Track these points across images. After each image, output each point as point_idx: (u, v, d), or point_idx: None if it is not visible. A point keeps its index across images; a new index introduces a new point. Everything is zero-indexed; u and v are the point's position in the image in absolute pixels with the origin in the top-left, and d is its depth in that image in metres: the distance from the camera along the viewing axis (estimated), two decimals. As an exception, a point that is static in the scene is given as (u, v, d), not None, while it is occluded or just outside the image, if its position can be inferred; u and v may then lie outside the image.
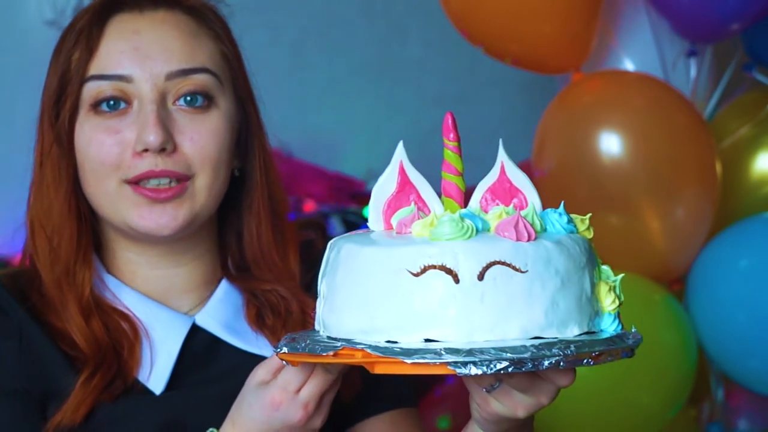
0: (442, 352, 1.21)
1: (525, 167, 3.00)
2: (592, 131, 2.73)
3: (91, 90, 1.60)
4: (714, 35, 2.88)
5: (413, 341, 1.24)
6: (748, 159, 2.99)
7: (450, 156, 1.31)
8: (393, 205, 1.33)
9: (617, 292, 1.31)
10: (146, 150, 1.57)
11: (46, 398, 1.57)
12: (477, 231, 1.26)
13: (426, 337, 1.24)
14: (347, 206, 3.54)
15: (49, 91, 1.63)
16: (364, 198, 3.64)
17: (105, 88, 1.60)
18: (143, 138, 1.57)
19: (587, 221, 1.33)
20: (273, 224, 1.68)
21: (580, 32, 2.82)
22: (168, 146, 1.57)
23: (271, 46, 3.77)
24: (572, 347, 1.23)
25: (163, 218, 1.59)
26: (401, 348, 1.23)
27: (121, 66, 1.59)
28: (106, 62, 1.60)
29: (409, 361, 1.21)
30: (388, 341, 1.25)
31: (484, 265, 1.23)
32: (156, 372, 1.59)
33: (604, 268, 1.32)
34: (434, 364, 1.21)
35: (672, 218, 2.73)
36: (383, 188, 1.34)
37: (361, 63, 4.00)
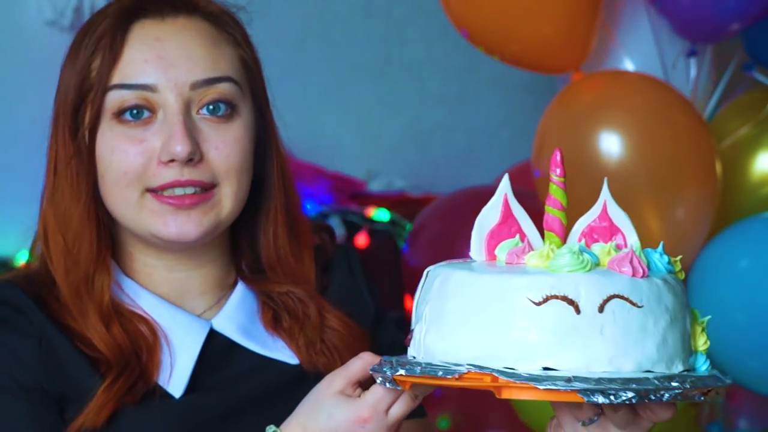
0: (572, 380, 1.22)
1: (525, 167, 3.01)
2: (592, 131, 2.72)
3: (114, 99, 1.58)
4: (714, 35, 2.88)
5: (532, 369, 1.25)
6: (748, 159, 2.98)
7: (555, 191, 1.33)
8: (496, 236, 1.34)
9: (706, 332, 1.35)
10: (172, 160, 1.56)
11: (64, 399, 1.56)
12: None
13: (544, 366, 1.25)
14: (347, 206, 3.54)
15: (66, 99, 1.61)
16: (364, 198, 3.64)
17: (129, 97, 1.58)
18: (170, 148, 1.56)
19: (679, 263, 1.36)
20: (289, 229, 1.68)
21: (580, 32, 2.82)
22: (195, 156, 1.57)
23: (272, 45, 3.76)
24: (688, 382, 1.27)
25: (187, 225, 1.58)
26: (529, 374, 1.24)
27: (145, 75, 1.57)
28: (129, 71, 1.58)
29: (541, 387, 1.22)
30: (505, 368, 1.25)
31: (605, 297, 1.25)
32: (175, 376, 1.59)
33: (692, 308, 1.35)
34: (564, 391, 1.22)
35: (672, 218, 2.73)
36: (486, 218, 1.34)
37: (361, 63, 4.00)
